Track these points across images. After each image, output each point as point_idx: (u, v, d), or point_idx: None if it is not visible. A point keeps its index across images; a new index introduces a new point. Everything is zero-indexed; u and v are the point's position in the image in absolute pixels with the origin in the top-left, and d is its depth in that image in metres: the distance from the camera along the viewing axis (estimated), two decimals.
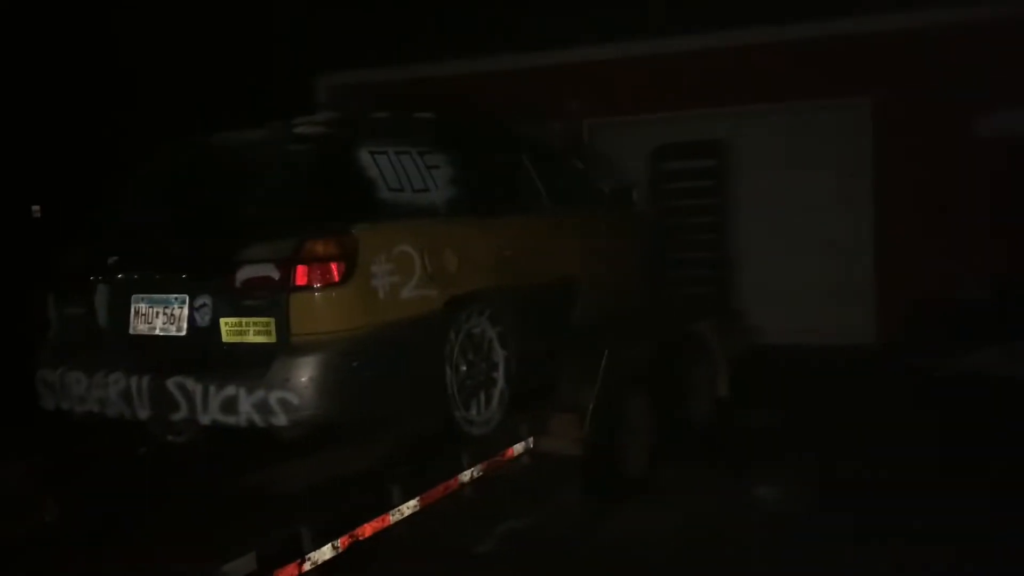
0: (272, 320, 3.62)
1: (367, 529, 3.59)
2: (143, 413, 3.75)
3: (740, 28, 8.89)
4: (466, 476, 4.18)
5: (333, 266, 3.67)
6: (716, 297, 7.77)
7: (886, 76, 8.61)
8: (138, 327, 3.88)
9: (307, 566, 3.30)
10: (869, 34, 8.60)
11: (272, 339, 3.62)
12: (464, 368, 4.29)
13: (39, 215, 11.23)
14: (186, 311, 3.77)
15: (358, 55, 10.34)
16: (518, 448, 4.60)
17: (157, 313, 3.84)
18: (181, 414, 3.66)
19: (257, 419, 3.57)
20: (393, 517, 3.74)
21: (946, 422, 6.37)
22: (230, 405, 3.57)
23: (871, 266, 8.82)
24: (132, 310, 3.90)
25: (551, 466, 4.85)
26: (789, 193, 9.08)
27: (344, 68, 10.44)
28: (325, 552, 3.37)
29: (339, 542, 3.43)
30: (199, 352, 3.72)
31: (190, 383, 3.63)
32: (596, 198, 6.08)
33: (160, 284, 3.86)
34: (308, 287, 3.62)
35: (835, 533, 4.58)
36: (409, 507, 3.81)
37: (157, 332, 3.82)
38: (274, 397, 3.54)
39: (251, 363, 3.59)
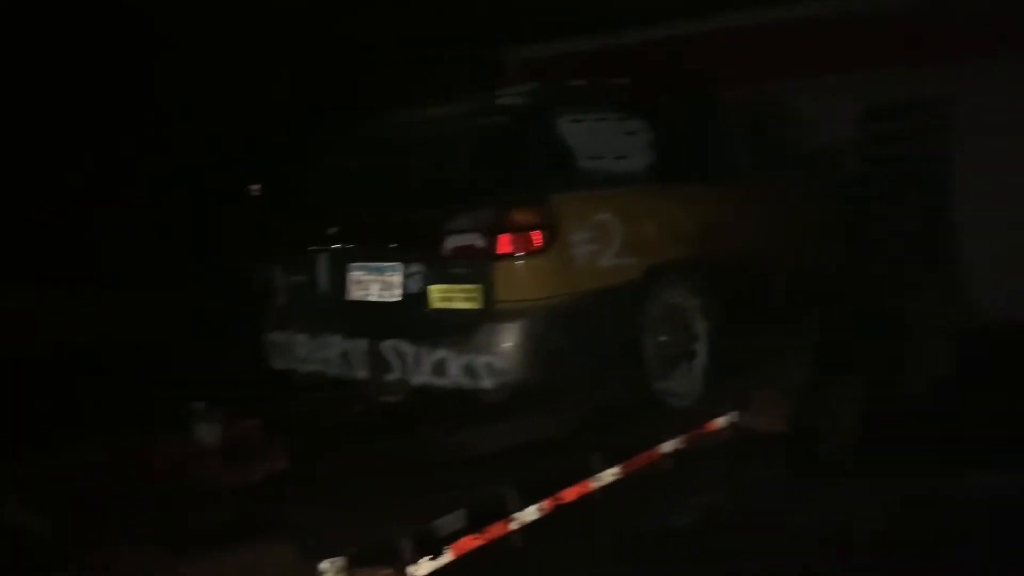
0: (478, 287, 3.73)
1: (570, 494, 3.63)
2: (360, 374, 3.99)
3: None
4: (667, 447, 4.12)
5: (535, 235, 3.73)
6: (933, 269, 7.15)
7: None
8: (355, 294, 4.12)
9: (513, 526, 3.38)
10: None
11: (478, 305, 3.73)
12: (664, 339, 4.23)
13: (259, 193, 12.25)
14: (399, 279, 3.96)
15: (553, 26, 10.37)
16: (720, 422, 4.47)
17: (372, 280, 4.06)
18: (395, 375, 3.87)
19: (464, 381, 3.70)
20: (594, 484, 3.75)
21: None
22: (440, 368, 3.73)
23: None
24: (350, 278, 4.14)
25: (755, 442, 4.67)
26: (1019, 156, 8.15)
27: (539, 40, 10.51)
28: (530, 513, 3.44)
29: (544, 504, 3.49)
30: (411, 317, 3.90)
31: (403, 346, 3.82)
32: (800, 164, 5.76)
33: (375, 254, 4.07)
34: (511, 255, 3.70)
35: None
36: (610, 475, 3.80)
37: (373, 298, 4.05)
38: (480, 361, 3.66)
39: (459, 328, 3.73)
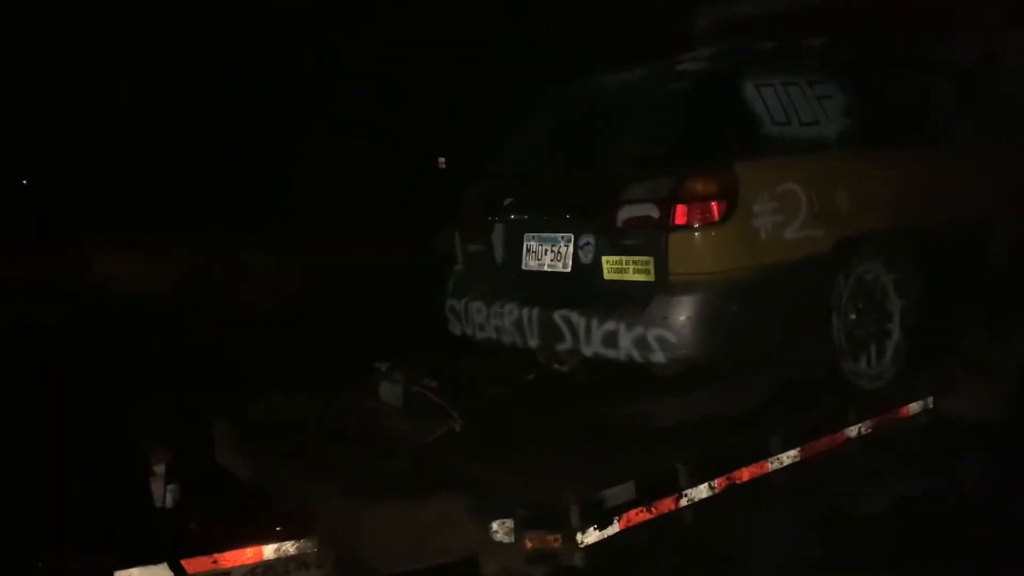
0: (651, 259, 3.66)
1: (745, 473, 3.51)
2: (533, 342, 4.05)
3: None
4: (853, 431, 3.88)
5: (713, 205, 3.60)
6: None
7: None
8: (529, 263, 4.17)
9: (683, 502, 3.33)
10: None
11: (651, 278, 3.66)
12: (854, 316, 3.98)
13: (444, 166, 12.73)
14: (571, 249, 3.96)
15: None
16: (915, 407, 4.14)
17: (546, 251, 4.08)
18: (566, 345, 3.89)
19: (636, 354, 3.66)
20: (772, 465, 3.61)
21: None
22: (611, 339, 3.70)
23: None
24: (524, 247, 4.20)
25: (955, 430, 4.29)
26: None
27: (720, 2, 10.07)
28: (702, 491, 3.37)
29: (716, 482, 3.40)
30: (583, 288, 3.89)
31: (575, 316, 3.82)
32: (1020, 127, 5.15)
33: (548, 223, 4.09)
34: (687, 226, 3.60)
35: None
36: (789, 456, 3.64)
37: (546, 268, 4.08)
38: (652, 334, 3.59)
39: (631, 300, 3.68)
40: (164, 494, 3.67)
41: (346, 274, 10.29)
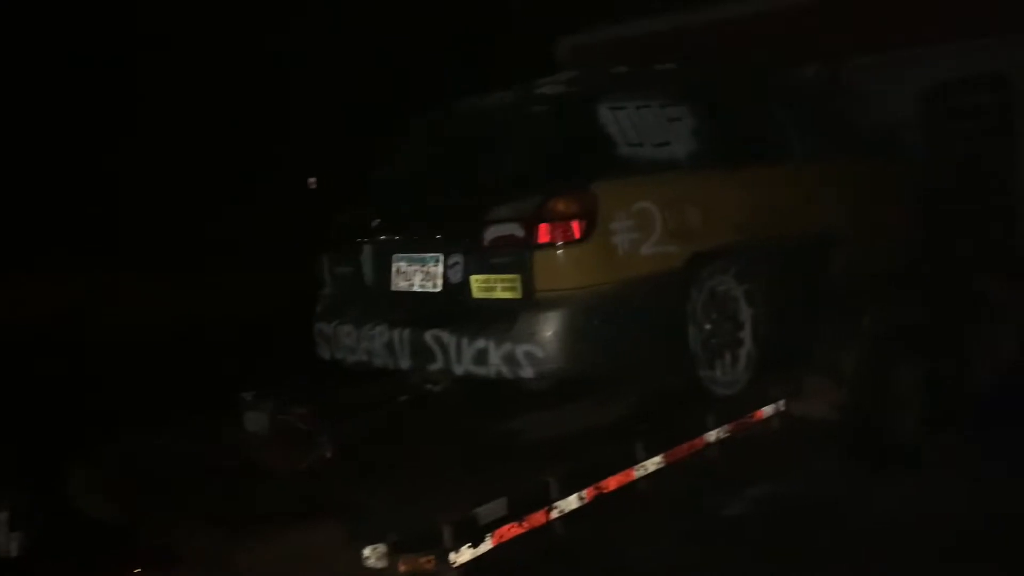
0: (518, 277, 3.74)
1: (612, 483, 3.62)
2: (404, 363, 4.06)
3: None
4: (712, 436, 4.07)
5: (574, 223, 3.71)
6: (1002, 249, 6.86)
7: None
8: (399, 284, 4.17)
9: (554, 514, 3.40)
10: None
11: (518, 295, 3.74)
12: (708, 327, 4.18)
13: (314, 187, 12.53)
14: (441, 269, 4.00)
15: (598, 12, 10.29)
16: (768, 410, 4.40)
17: (415, 271, 4.10)
18: (437, 365, 3.92)
19: (505, 371, 3.72)
20: (637, 473, 3.74)
21: None
22: (481, 357, 3.76)
23: None
24: (393, 268, 4.20)
25: (805, 431, 4.58)
26: None
27: (585, 26, 10.43)
28: (571, 502, 3.45)
29: (585, 493, 3.50)
30: (453, 307, 3.93)
31: (445, 336, 3.86)
32: (857, 145, 5.59)
33: (417, 244, 4.12)
34: (550, 244, 3.70)
35: None
36: (654, 463, 3.78)
37: (416, 289, 4.09)
38: (521, 350, 3.67)
39: (500, 318, 3.75)
40: (8, 543, 3.43)
41: (215, 301, 9.96)
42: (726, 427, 4.13)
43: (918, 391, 4.91)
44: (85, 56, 13.38)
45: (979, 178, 7.11)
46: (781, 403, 4.45)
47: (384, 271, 4.24)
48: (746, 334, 4.33)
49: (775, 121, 5.02)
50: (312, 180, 12.53)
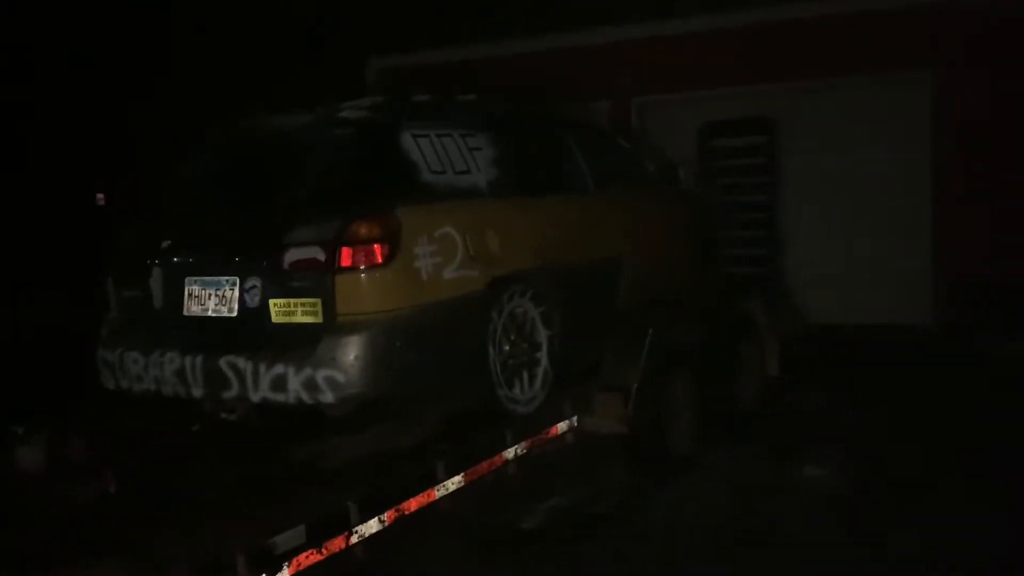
0: (318, 301, 3.71)
1: (413, 504, 3.68)
2: (197, 391, 3.89)
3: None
4: (510, 453, 4.24)
5: (376, 247, 3.74)
6: (766, 276, 7.66)
7: (951, 48, 8.29)
8: (192, 308, 4.01)
9: (354, 539, 3.40)
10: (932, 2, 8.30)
11: (319, 319, 3.71)
12: (507, 347, 4.33)
13: (103, 203, 11.64)
14: (237, 293, 3.89)
15: (406, 38, 10.42)
16: (562, 426, 4.64)
17: (209, 295, 3.96)
18: (233, 392, 3.79)
19: (305, 396, 3.67)
20: (438, 492, 3.82)
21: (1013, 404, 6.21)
22: (279, 383, 3.68)
23: (928, 246, 8.58)
24: (186, 292, 4.03)
25: (596, 445, 4.88)
26: (842, 171, 8.89)
27: (393, 51, 10.54)
28: (372, 526, 3.47)
29: (385, 516, 3.52)
30: (250, 332, 3.83)
31: (241, 362, 3.75)
32: (642, 177, 6.05)
33: (211, 267, 3.98)
34: (353, 268, 3.70)
35: (881, 517, 4.53)
36: (454, 483, 3.88)
37: (210, 313, 3.95)
38: (321, 375, 3.64)
39: (299, 343, 3.69)
40: None
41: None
42: (523, 444, 4.32)
43: (693, 405, 5.37)
44: None
45: (748, 210, 7.91)
46: (574, 419, 4.71)
47: (175, 294, 4.06)
48: (542, 354, 4.53)
49: (568, 152, 5.33)
50: (100, 196, 11.64)
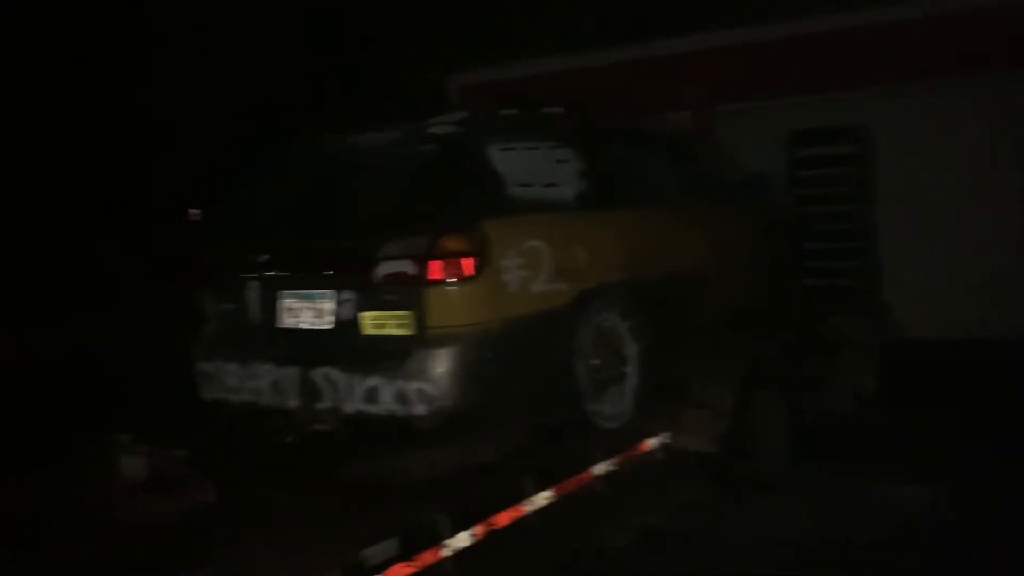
0: (409, 314, 3.74)
1: (503, 518, 3.65)
2: (291, 402, 3.96)
3: (880, 3, 8.44)
4: (600, 470, 4.17)
5: (465, 261, 3.75)
6: (857, 290, 7.39)
7: None
8: (287, 321, 4.09)
9: (445, 552, 3.39)
10: None
11: (410, 332, 3.74)
12: (595, 362, 4.29)
13: (197, 218, 12.06)
14: (331, 306, 3.95)
15: (489, 53, 10.51)
16: (652, 443, 4.55)
17: (304, 308, 4.04)
18: (326, 403, 3.85)
19: (397, 408, 3.70)
20: (527, 508, 3.78)
21: None
22: (372, 395, 3.73)
23: None
24: (281, 305, 4.12)
25: (686, 462, 4.76)
26: (937, 179, 8.53)
27: (475, 67, 10.64)
28: (462, 539, 3.45)
29: (476, 530, 3.50)
30: (343, 345, 3.88)
31: (335, 374, 3.80)
32: (728, 189, 5.93)
33: (306, 281, 4.05)
34: (442, 282, 3.72)
35: (975, 539, 4.29)
36: (543, 498, 3.84)
37: (304, 326, 4.02)
38: (412, 387, 3.66)
39: (391, 355, 3.73)
40: None
41: (88, 341, 9.40)
42: (613, 460, 4.24)
43: (783, 422, 5.20)
44: None
45: (840, 221, 7.64)
46: (664, 435, 4.61)
47: (271, 307, 4.15)
48: (631, 369, 4.47)
49: (653, 165, 5.27)
50: (194, 211, 12.07)
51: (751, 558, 4.29)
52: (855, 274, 7.43)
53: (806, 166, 7.94)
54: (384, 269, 3.80)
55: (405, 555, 3.26)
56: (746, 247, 5.73)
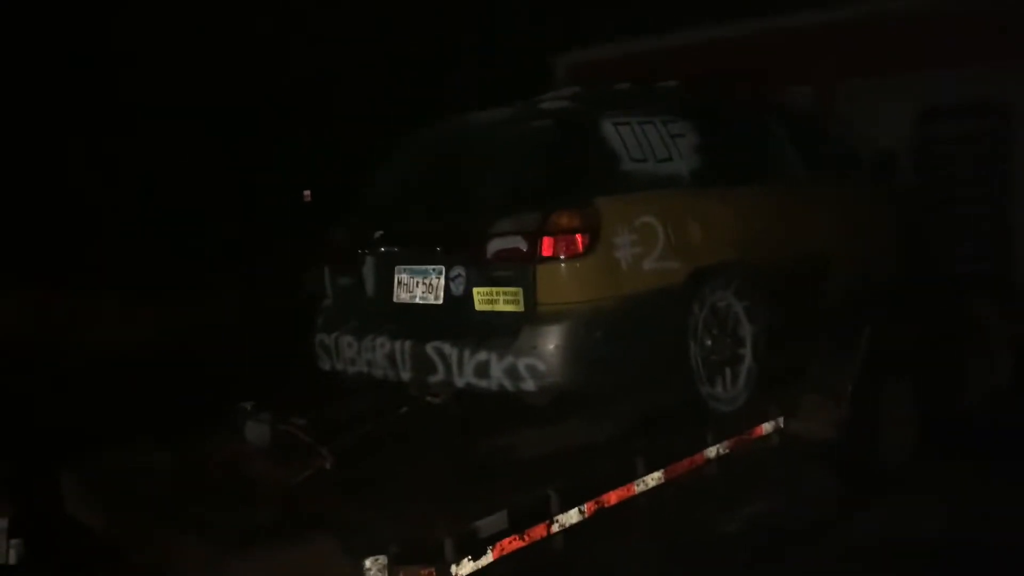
0: (520, 290, 3.75)
1: (612, 497, 3.61)
2: (405, 375, 4.04)
3: None
4: (712, 453, 4.07)
5: (577, 237, 3.73)
6: (993, 274, 6.93)
7: None
8: (401, 296, 4.17)
9: (555, 528, 3.38)
10: None
11: (520, 308, 3.75)
12: (709, 343, 4.18)
13: (310, 199, 12.53)
14: (443, 281, 4.00)
15: (596, 31, 10.39)
16: (767, 427, 4.40)
17: (417, 283, 4.10)
18: (439, 377, 3.91)
19: (507, 384, 3.72)
20: (638, 488, 3.72)
21: None
22: (483, 370, 3.75)
23: None
24: (395, 280, 4.20)
25: (802, 449, 4.58)
26: None
27: (583, 45, 10.54)
28: (572, 516, 3.44)
29: (585, 507, 3.48)
30: (455, 319, 3.93)
31: (447, 348, 3.85)
32: (854, 167, 5.65)
33: (419, 256, 4.11)
34: (554, 258, 3.71)
35: None
36: (653, 479, 3.77)
37: (417, 300, 4.09)
38: (523, 363, 3.67)
39: (502, 330, 3.75)
40: (7, 550, 3.39)
41: (211, 315, 9.89)
42: (725, 443, 4.13)
43: (911, 412, 4.93)
44: (62, 59, 13.27)
45: (973, 202, 7.19)
46: (780, 420, 4.45)
47: (386, 283, 4.24)
48: (746, 351, 4.34)
49: (773, 141, 5.07)
50: (307, 193, 12.53)
51: (873, 562, 4.07)
52: (989, 258, 6.98)
53: (937, 144, 7.49)
54: (496, 245, 3.81)
55: (515, 529, 3.27)
56: (874, 227, 5.46)
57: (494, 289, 3.83)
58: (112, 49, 13.08)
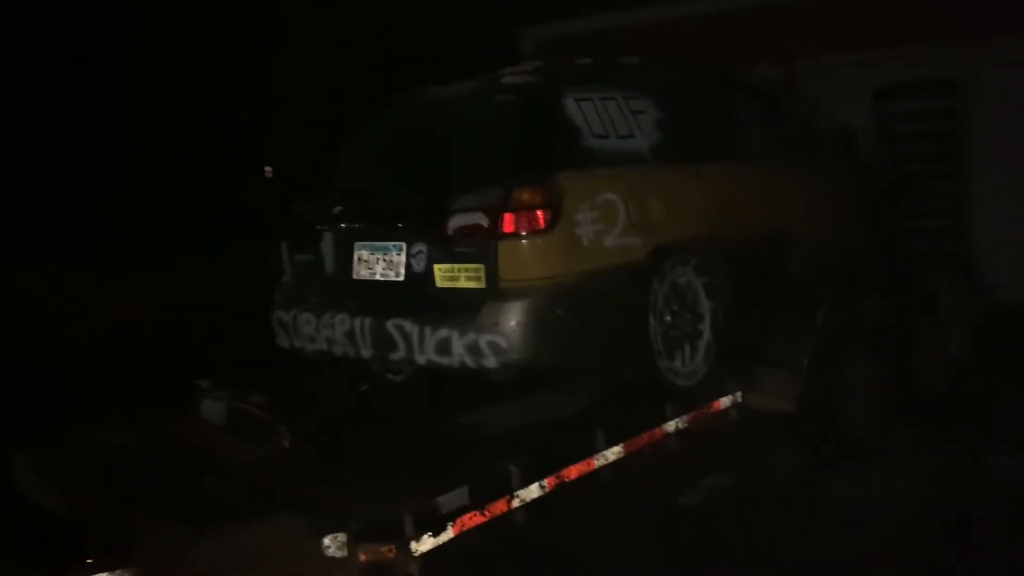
0: (482, 266, 3.73)
1: (573, 472, 3.63)
2: (366, 352, 4.01)
3: None
4: (671, 427, 4.11)
5: (539, 214, 3.71)
6: (950, 250, 7.05)
7: None
8: (360, 272, 4.13)
9: (515, 503, 3.40)
10: None
11: (482, 284, 3.73)
12: (669, 318, 4.21)
13: (271, 175, 12.35)
14: (403, 258, 3.96)
15: (561, 6, 10.33)
16: (725, 402, 4.45)
17: (377, 259, 4.06)
18: (399, 354, 3.88)
19: (468, 360, 3.71)
20: (598, 462, 3.75)
21: None
22: (444, 346, 3.74)
23: None
24: (355, 257, 4.15)
25: (761, 423, 4.65)
26: None
27: (548, 20, 10.47)
28: (533, 491, 3.45)
29: (546, 482, 3.50)
30: (416, 296, 3.90)
31: (408, 325, 3.83)
32: (816, 144, 5.69)
33: (380, 233, 4.07)
34: (515, 234, 3.69)
35: None
36: (613, 453, 3.80)
37: (378, 277, 4.05)
38: (484, 340, 3.66)
39: (463, 307, 3.73)
40: None
41: (167, 293, 9.73)
42: (684, 418, 4.17)
43: (869, 386, 5.01)
44: (55, 53, 12.98)
45: (932, 179, 7.28)
46: (738, 395, 4.51)
47: (345, 259, 4.19)
48: (705, 326, 4.37)
49: (736, 118, 5.08)
50: (268, 169, 12.35)
51: (837, 530, 4.15)
52: (947, 234, 7.09)
53: (894, 121, 7.56)
54: (457, 221, 3.78)
55: (476, 504, 3.28)
56: (837, 204, 5.51)
57: (456, 266, 3.81)
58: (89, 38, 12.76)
